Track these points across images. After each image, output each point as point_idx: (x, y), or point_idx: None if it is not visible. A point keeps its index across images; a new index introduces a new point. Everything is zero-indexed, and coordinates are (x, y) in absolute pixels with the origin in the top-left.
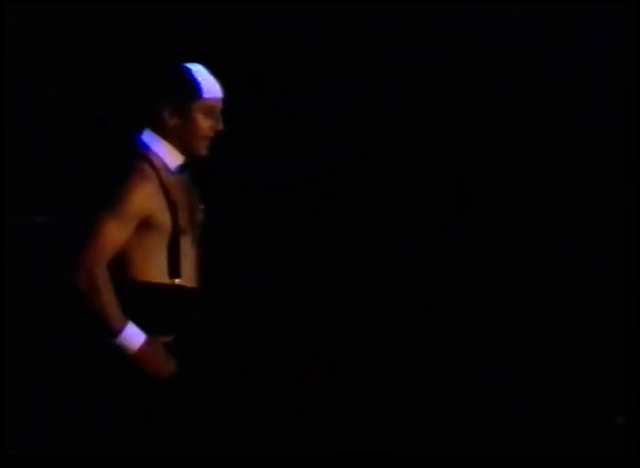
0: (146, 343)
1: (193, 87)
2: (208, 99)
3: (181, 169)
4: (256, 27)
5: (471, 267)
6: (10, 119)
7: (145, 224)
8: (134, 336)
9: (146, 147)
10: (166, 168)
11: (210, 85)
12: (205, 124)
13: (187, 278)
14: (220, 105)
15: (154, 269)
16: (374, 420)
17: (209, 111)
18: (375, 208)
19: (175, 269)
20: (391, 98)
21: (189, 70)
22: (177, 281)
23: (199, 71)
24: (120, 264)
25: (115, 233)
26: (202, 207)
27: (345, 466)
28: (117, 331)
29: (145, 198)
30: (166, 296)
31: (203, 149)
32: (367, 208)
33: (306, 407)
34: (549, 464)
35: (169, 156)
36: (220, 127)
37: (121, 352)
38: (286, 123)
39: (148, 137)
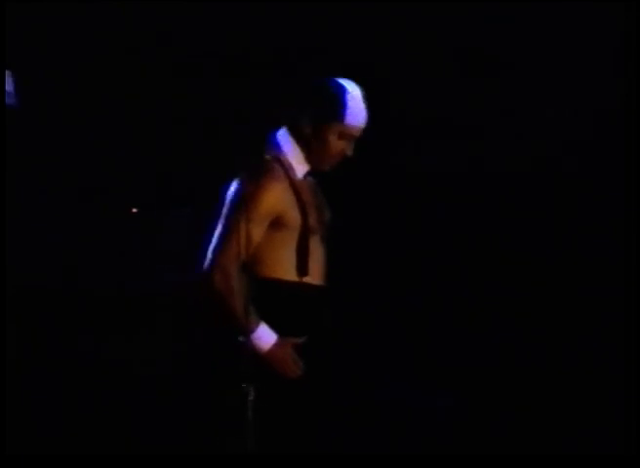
0: (277, 344)
1: (339, 108)
2: (347, 126)
3: (308, 173)
4: None
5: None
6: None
7: (276, 223)
8: (265, 337)
9: (279, 147)
10: (293, 170)
11: (356, 112)
12: (336, 147)
13: (315, 276)
14: (357, 134)
15: (284, 267)
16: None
17: (344, 136)
18: None
19: (303, 267)
20: None
21: (344, 90)
22: (305, 279)
23: (352, 94)
24: (250, 262)
25: (250, 233)
26: (328, 209)
27: None
28: (250, 331)
29: (277, 197)
30: (295, 294)
31: (327, 167)
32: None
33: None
34: (549, 464)
35: (296, 161)
36: (350, 153)
37: (253, 351)
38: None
39: (283, 138)
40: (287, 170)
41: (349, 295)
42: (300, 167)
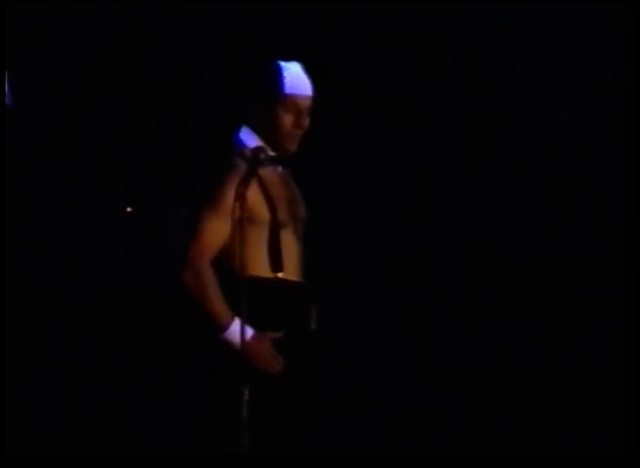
0: (253, 338)
1: (277, 83)
2: (290, 96)
3: (281, 164)
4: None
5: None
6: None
7: (246, 219)
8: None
9: (242, 143)
10: (261, 163)
11: (295, 81)
12: (288, 122)
13: (290, 272)
14: (304, 102)
15: (257, 263)
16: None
17: (291, 108)
18: None
19: (276, 263)
20: None
21: (278, 66)
22: (279, 275)
23: (287, 67)
24: (224, 260)
25: (216, 229)
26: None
27: None
28: (225, 327)
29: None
30: (269, 290)
31: (289, 145)
32: None
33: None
34: (550, 464)
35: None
36: (305, 124)
37: (230, 347)
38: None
39: (245, 134)
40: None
41: (349, 295)
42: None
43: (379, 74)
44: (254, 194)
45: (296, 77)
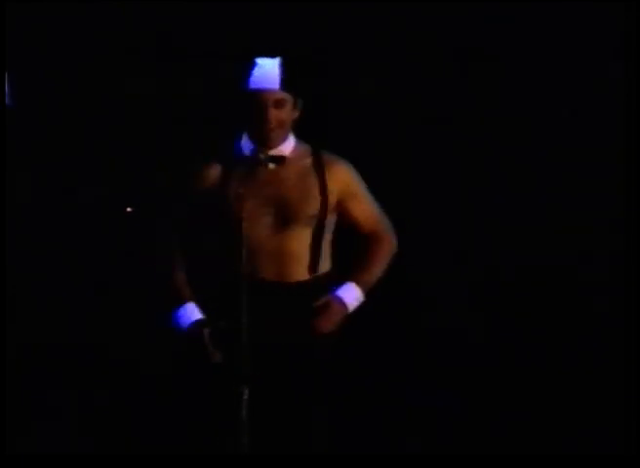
0: (196, 324)
1: (244, 78)
2: (250, 90)
3: (273, 162)
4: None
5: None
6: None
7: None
8: (188, 316)
9: (237, 142)
10: (244, 156)
11: (258, 75)
12: (249, 114)
13: (249, 267)
14: (265, 96)
15: (217, 256)
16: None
17: (252, 102)
18: None
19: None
20: None
21: (253, 63)
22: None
23: (260, 64)
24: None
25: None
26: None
27: None
28: (175, 308)
29: (194, 183)
30: (221, 284)
31: (262, 138)
32: None
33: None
34: (550, 464)
35: (245, 146)
36: (266, 119)
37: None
38: None
39: (243, 136)
40: (230, 161)
41: None
42: (247, 148)
43: (378, 74)
44: (209, 186)
45: (260, 71)
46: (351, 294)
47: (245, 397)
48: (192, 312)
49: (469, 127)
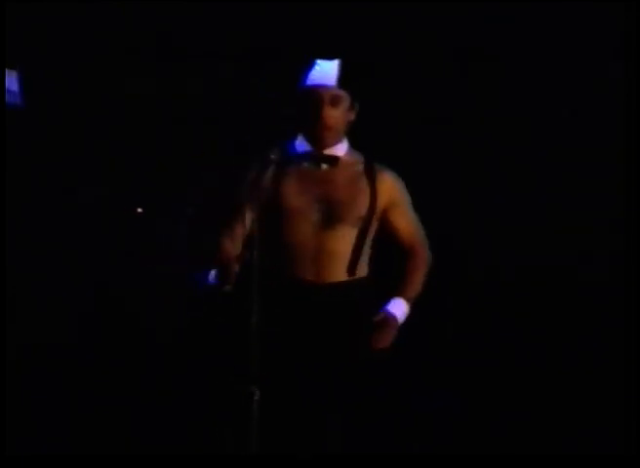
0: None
1: (301, 76)
2: (307, 87)
3: (324, 162)
4: None
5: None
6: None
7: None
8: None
9: (289, 145)
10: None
11: (314, 73)
12: (304, 112)
13: (282, 266)
14: (321, 92)
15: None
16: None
17: (308, 99)
18: None
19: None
20: None
21: (311, 62)
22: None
23: (318, 62)
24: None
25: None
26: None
27: None
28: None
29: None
30: (269, 284)
31: (318, 138)
32: None
33: None
34: (550, 464)
35: (300, 147)
36: (321, 115)
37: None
38: None
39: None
40: (284, 160)
41: None
42: (301, 148)
43: (378, 74)
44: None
45: (316, 69)
46: (401, 310)
47: (256, 397)
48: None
49: (469, 127)
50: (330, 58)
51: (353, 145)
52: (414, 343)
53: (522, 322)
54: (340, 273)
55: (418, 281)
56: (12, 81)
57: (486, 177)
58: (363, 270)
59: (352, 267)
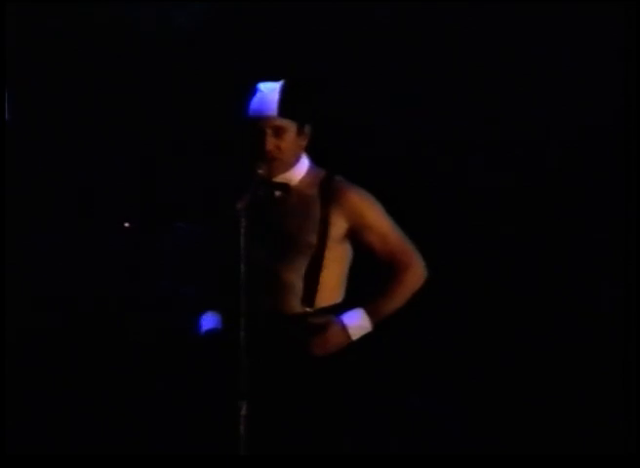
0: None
1: (245, 105)
2: (249, 117)
3: (277, 189)
4: None
5: None
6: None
7: None
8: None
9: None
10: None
11: (255, 102)
12: (247, 143)
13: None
14: (262, 124)
15: None
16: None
17: (250, 130)
18: None
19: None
20: None
21: (255, 88)
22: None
23: (262, 89)
24: None
25: None
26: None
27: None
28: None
29: None
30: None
31: (260, 168)
32: None
33: None
34: (550, 464)
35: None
36: (264, 147)
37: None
38: None
39: None
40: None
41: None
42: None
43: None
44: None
45: (257, 97)
46: (356, 321)
47: (243, 412)
48: (209, 320)
49: (469, 126)
50: (272, 79)
51: (319, 160)
52: (412, 347)
53: (522, 322)
54: (294, 305)
55: (395, 295)
56: None
57: (486, 177)
58: (328, 299)
59: (308, 298)
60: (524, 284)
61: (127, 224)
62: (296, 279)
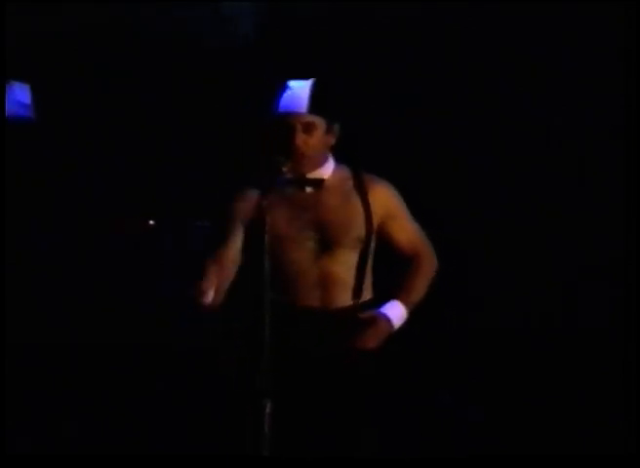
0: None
1: (274, 102)
2: (278, 114)
3: (307, 185)
4: None
5: None
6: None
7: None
8: None
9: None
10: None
11: (285, 99)
12: (276, 139)
13: (284, 292)
14: (292, 120)
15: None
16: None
17: (279, 126)
18: None
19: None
20: None
21: (285, 86)
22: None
23: (292, 86)
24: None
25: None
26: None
27: None
28: None
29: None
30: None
31: (294, 166)
32: None
33: None
34: (550, 464)
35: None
36: (293, 143)
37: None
38: None
39: None
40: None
41: None
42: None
43: (379, 73)
44: (248, 211)
45: (288, 94)
46: (397, 312)
47: (267, 410)
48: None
49: (469, 127)
50: (303, 77)
51: (340, 157)
52: (415, 345)
53: (522, 322)
54: (345, 298)
55: (419, 285)
56: (24, 94)
57: (485, 177)
58: (369, 293)
59: (358, 291)
60: (524, 284)
61: (152, 222)
62: (345, 273)
